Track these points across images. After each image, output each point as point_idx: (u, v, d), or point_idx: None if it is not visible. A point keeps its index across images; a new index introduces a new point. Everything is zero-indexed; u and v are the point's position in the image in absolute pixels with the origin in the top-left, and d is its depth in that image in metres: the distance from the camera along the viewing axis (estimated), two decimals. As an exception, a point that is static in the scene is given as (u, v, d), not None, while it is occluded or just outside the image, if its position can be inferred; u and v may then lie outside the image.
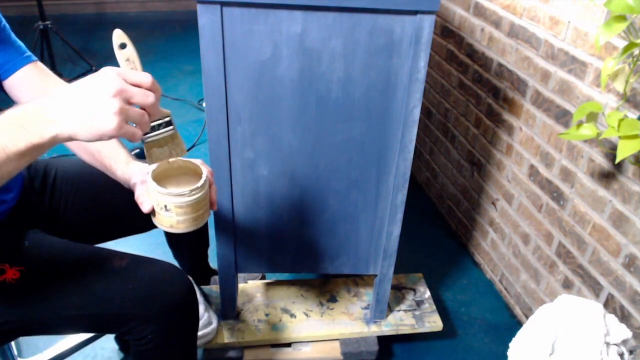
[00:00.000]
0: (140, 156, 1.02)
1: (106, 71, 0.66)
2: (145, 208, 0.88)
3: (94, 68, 3.00)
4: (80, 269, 0.97)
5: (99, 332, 1.05)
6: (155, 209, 0.86)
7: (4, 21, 1.00)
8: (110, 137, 0.65)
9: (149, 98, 0.68)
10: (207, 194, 0.88)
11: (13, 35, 1.01)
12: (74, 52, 3.03)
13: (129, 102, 0.66)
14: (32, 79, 1.01)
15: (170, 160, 0.90)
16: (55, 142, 0.66)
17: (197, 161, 0.93)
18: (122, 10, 4.53)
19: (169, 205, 0.83)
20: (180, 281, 1.00)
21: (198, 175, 0.90)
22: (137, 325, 0.95)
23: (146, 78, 0.68)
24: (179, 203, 0.83)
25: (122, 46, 0.72)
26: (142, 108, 0.69)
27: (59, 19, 3.61)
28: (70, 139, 0.66)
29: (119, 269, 0.97)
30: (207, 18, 1.01)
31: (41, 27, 2.91)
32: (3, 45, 0.98)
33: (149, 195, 0.87)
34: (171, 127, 0.78)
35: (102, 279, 0.96)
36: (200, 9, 1.00)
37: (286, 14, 1.01)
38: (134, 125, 0.69)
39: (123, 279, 0.96)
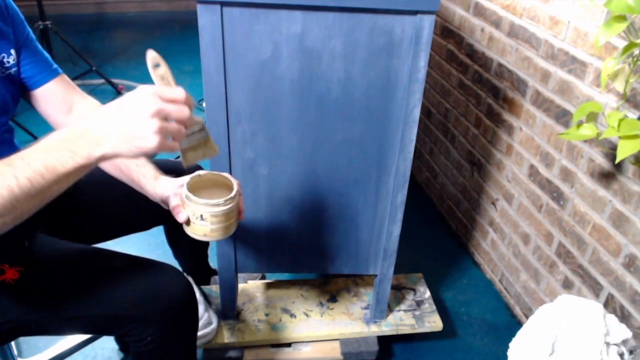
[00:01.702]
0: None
1: (143, 91, 0.69)
2: (181, 218, 0.91)
3: (94, 68, 3.00)
4: (80, 270, 0.97)
5: (98, 333, 1.07)
6: (191, 219, 0.90)
7: (31, 33, 1.01)
8: (152, 155, 0.70)
9: (184, 112, 0.71)
10: (237, 204, 0.92)
11: (39, 46, 1.03)
12: (74, 52, 3.03)
13: (166, 119, 0.69)
14: (58, 92, 1.03)
15: (201, 173, 0.95)
16: (101, 161, 0.70)
17: (225, 174, 0.96)
18: (122, 10, 4.53)
19: (204, 214, 0.88)
20: (180, 283, 1.00)
21: (226, 186, 0.94)
22: (137, 326, 0.95)
23: (180, 93, 0.71)
24: (215, 212, 0.88)
25: (156, 66, 0.76)
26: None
27: (59, 19, 3.60)
28: (116, 157, 0.70)
29: (118, 271, 0.98)
30: (207, 18, 1.01)
31: (41, 27, 2.91)
32: (33, 56, 1.00)
33: (184, 206, 0.91)
34: (204, 133, 0.82)
35: (102, 280, 0.96)
36: (200, 9, 1.00)
37: (286, 14, 1.01)
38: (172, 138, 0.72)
39: (122, 280, 0.96)
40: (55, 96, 1.03)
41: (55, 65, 1.04)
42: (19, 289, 0.91)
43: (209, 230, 0.89)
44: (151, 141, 0.68)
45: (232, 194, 0.89)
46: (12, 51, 0.95)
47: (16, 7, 0.97)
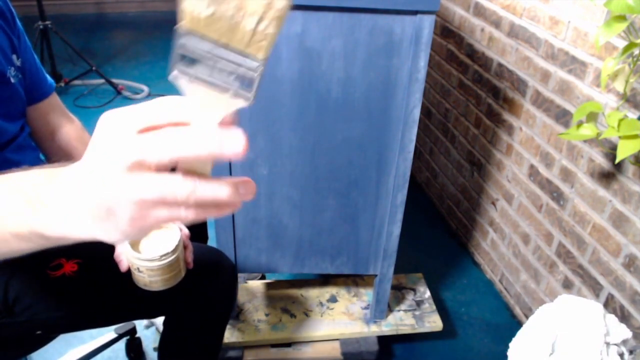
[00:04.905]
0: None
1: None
2: (122, 267, 0.91)
3: (93, 68, 3.00)
4: None
5: (147, 317, 1.10)
6: (131, 269, 0.90)
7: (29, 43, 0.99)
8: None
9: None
10: (179, 257, 0.90)
11: (38, 60, 1.01)
12: (74, 52, 3.03)
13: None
14: (45, 114, 1.01)
15: None
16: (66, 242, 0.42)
17: (177, 224, 0.93)
18: (122, 10, 4.53)
19: (141, 267, 0.87)
20: (227, 264, 1.05)
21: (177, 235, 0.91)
22: (182, 307, 0.97)
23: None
24: (150, 266, 0.87)
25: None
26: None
27: (59, 19, 3.61)
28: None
29: None
30: (207, 18, 1.00)
31: (41, 27, 2.91)
32: (39, 69, 0.99)
33: (126, 255, 0.90)
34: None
35: None
36: (200, 9, 0.99)
37: (286, 14, 1.01)
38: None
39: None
40: (41, 119, 1.00)
41: (50, 79, 1.02)
42: (79, 281, 0.92)
43: (148, 281, 0.88)
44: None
45: (169, 249, 0.86)
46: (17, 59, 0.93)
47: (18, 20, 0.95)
